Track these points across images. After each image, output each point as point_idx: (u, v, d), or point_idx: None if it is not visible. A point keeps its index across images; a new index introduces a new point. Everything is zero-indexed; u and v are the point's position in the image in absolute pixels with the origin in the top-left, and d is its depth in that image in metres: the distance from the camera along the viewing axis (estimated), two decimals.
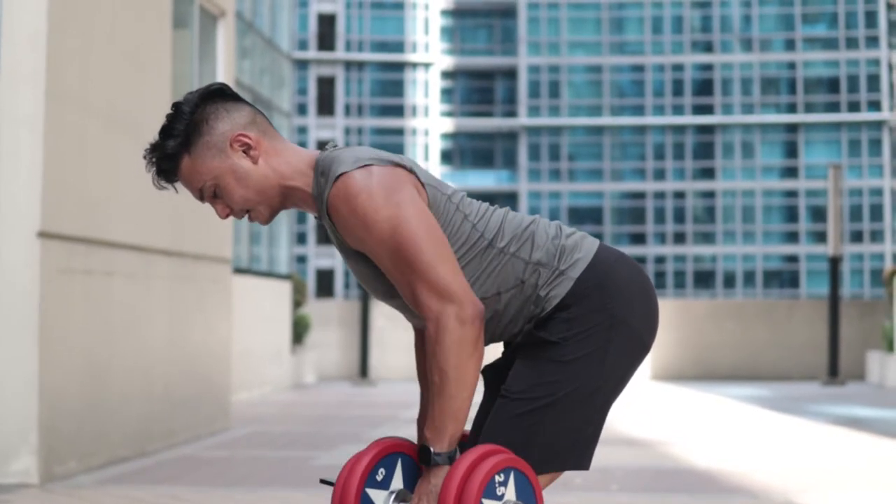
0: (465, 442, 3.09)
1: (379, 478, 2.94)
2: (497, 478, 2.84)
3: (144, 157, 3.02)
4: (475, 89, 70.87)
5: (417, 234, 2.89)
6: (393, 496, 2.95)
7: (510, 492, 2.87)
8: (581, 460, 3.03)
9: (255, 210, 3.04)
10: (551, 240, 3.06)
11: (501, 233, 3.04)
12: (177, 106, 3.00)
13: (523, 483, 2.90)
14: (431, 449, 2.87)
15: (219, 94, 3.03)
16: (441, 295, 2.86)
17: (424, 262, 2.88)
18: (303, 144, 65.17)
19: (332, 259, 64.83)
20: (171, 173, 3.01)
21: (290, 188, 3.02)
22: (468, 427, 3.13)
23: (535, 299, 3.03)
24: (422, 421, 3.23)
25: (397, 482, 2.97)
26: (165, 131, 2.99)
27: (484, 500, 2.81)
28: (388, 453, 2.97)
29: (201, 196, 3.03)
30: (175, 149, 2.98)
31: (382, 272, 3.00)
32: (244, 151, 2.99)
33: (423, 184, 2.98)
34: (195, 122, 2.98)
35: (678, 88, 67.35)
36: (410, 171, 2.98)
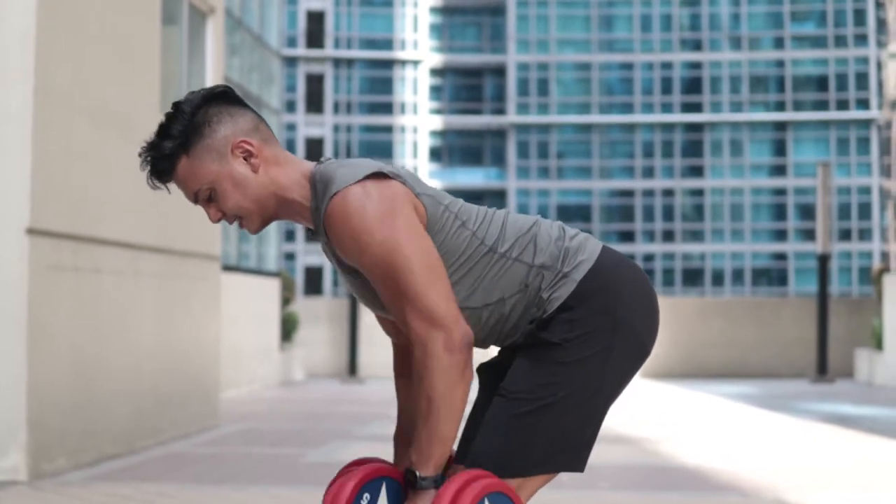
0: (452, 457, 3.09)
1: (364, 503, 2.92)
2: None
3: (140, 155, 2.95)
4: (464, 87, 70.83)
5: (410, 259, 2.85)
6: None
7: None
8: (577, 462, 3.01)
9: (247, 218, 2.98)
10: (554, 242, 3.02)
11: (503, 237, 3.00)
12: (177, 105, 2.94)
13: None
14: (417, 473, 2.85)
15: (223, 97, 2.97)
16: (430, 321, 2.83)
17: (415, 288, 2.84)
18: (291, 141, 65.13)
19: (320, 257, 64.72)
20: (167, 174, 2.94)
21: (287, 200, 2.97)
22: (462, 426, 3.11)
23: (537, 302, 3.00)
24: (399, 439, 3.23)
25: None
26: (164, 131, 2.92)
27: None
28: (371, 478, 2.94)
29: (195, 199, 2.97)
30: (173, 149, 2.91)
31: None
32: (245, 158, 2.93)
33: (419, 196, 2.94)
34: (196, 124, 2.91)
35: (667, 86, 67.38)
36: (405, 183, 2.93)
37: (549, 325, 2.99)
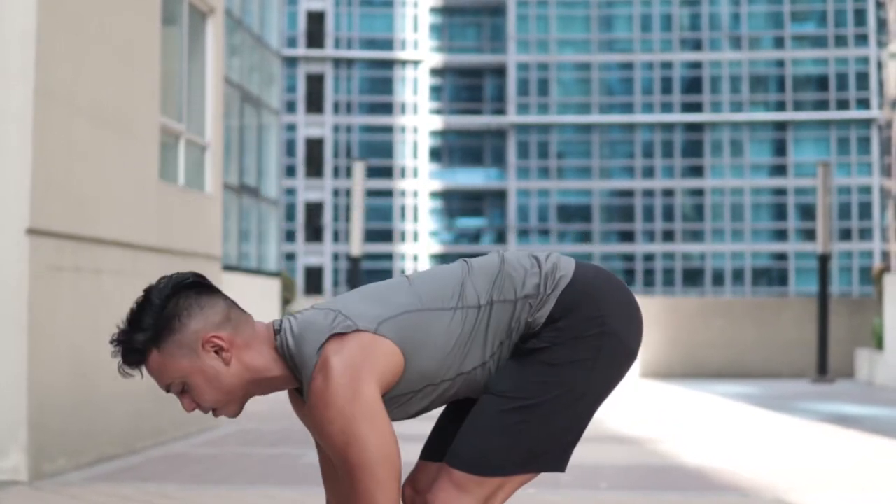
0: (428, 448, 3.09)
1: None
2: None
3: (111, 343, 2.93)
4: (464, 87, 70.83)
5: (363, 456, 2.84)
6: None
7: None
8: (559, 463, 3.03)
9: (223, 408, 2.99)
10: (530, 271, 3.04)
11: (479, 291, 3.00)
12: (147, 295, 2.92)
13: None
14: None
15: (192, 287, 2.96)
16: None
17: (365, 486, 2.83)
18: (291, 142, 65.10)
19: (320, 257, 64.76)
20: (138, 364, 2.94)
21: (268, 379, 2.97)
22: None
23: (526, 327, 3.02)
24: None
25: None
26: (134, 322, 2.91)
27: None
28: None
29: (168, 390, 2.96)
30: (143, 343, 2.89)
31: None
32: (216, 352, 2.92)
33: (380, 329, 2.90)
34: (166, 318, 2.90)
35: (667, 86, 67.38)
36: (360, 329, 2.89)
37: (538, 335, 3.02)
